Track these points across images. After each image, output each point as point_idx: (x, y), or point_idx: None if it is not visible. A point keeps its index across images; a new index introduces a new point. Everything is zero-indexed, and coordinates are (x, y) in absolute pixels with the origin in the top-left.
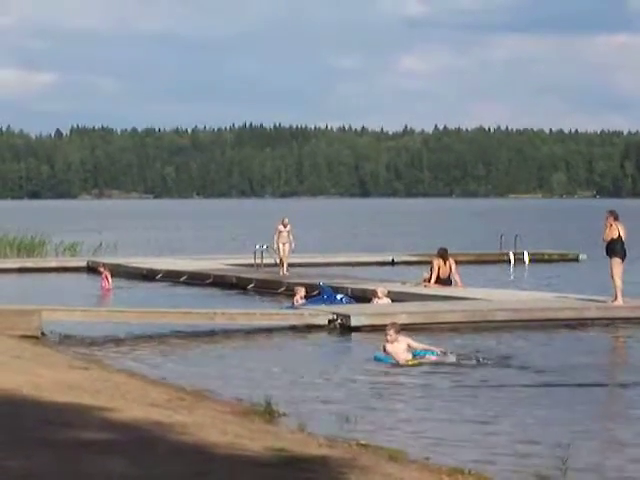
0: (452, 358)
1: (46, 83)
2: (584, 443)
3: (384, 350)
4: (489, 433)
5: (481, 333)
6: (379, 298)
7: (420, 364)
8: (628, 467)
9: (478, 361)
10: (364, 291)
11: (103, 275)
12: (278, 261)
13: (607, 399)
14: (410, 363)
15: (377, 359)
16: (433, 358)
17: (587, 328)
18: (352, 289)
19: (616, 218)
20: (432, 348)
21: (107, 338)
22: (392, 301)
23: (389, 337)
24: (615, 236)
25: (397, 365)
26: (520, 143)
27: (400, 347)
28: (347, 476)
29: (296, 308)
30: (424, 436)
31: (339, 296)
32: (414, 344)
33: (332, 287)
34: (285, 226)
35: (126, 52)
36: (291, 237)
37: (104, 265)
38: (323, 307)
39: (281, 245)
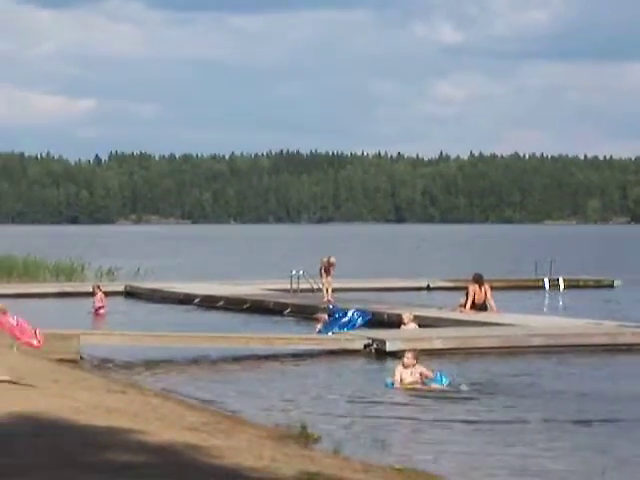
0: (462, 387)
1: (85, 109)
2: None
3: (396, 373)
4: (518, 458)
5: (515, 359)
6: (404, 324)
7: (415, 389)
8: None
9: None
10: (399, 316)
11: (98, 296)
12: (323, 288)
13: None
14: (407, 387)
15: (386, 385)
16: (434, 386)
17: (622, 354)
18: (388, 314)
19: None
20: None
21: (144, 361)
22: (428, 326)
23: (406, 360)
24: None
25: (400, 389)
26: (555, 170)
27: (409, 373)
28: None
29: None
30: (458, 461)
31: (350, 312)
32: (428, 374)
33: (369, 311)
34: (331, 264)
35: (164, 78)
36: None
37: (98, 286)
38: (359, 332)
39: (324, 275)
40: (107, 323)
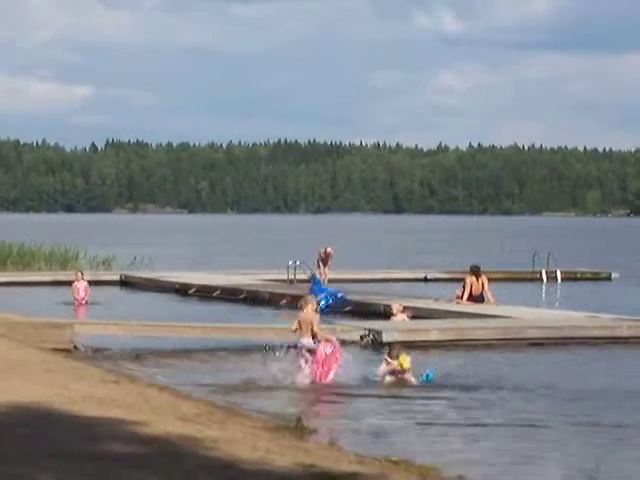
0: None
1: (81, 97)
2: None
3: (381, 366)
4: (511, 452)
5: (512, 351)
6: (394, 314)
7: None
8: None
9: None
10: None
11: (77, 285)
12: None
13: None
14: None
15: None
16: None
17: (619, 347)
18: (384, 305)
19: None
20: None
21: (139, 352)
22: (424, 318)
23: (387, 358)
24: None
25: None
26: (554, 161)
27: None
28: None
29: None
30: (453, 454)
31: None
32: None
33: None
34: (328, 255)
35: (161, 66)
36: (329, 263)
37: (81, 273)
38: (355, 323)
39: (321, 265)
40: (89, 314)
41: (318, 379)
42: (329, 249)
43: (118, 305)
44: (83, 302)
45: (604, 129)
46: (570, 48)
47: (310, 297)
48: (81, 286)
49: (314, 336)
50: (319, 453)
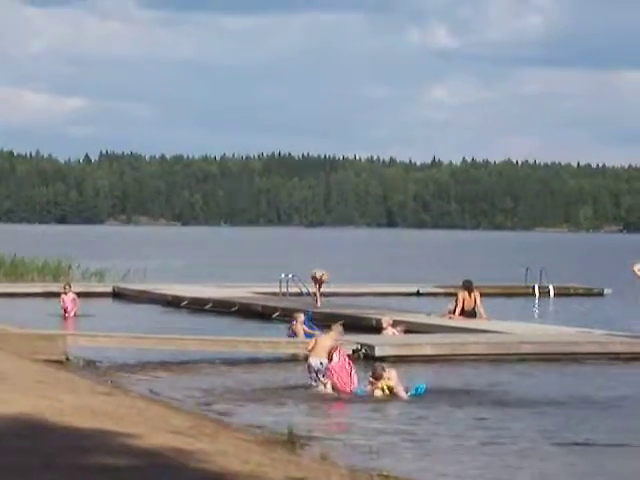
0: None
1: (75, 108)
2: None
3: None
4: (505, 468)
5: (504, 366)
6: (384, 328)
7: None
8: None
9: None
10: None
11: (64, 297)
12: (314, 292)
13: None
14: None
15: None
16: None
17: (611, 362)
18: (376, 319)
19: None
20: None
21: (131, 364)
22: (417, 333)
23: (371, 379)
24: None
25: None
26: (548, 177)
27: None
28: None
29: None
30: (444, 468)
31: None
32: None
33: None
34: (323, 282)
35: (155, 79)
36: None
37: (68, 285)
38: (347, 337)
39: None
40: (81, 326)
41: (342, 388)
42: (325, 276)
43: (110, 317)
44: (71, 314)
45: (597, 145)
46: (563, 64)
47: (337, 324)
48: (68, 298)
49: (330, 359)
50: (310, 467)
